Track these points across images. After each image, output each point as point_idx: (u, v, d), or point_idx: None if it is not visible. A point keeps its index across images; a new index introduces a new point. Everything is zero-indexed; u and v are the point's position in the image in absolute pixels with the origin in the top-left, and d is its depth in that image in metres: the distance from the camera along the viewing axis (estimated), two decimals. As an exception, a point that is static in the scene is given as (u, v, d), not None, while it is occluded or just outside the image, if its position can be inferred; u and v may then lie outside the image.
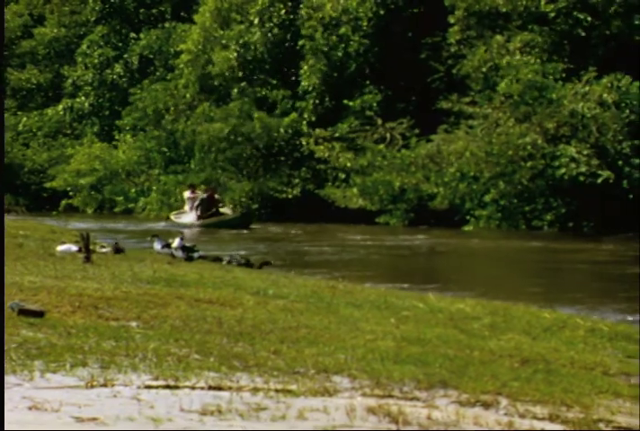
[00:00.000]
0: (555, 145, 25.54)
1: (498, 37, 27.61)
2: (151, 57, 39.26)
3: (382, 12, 30.25)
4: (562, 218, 25.70)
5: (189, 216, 28.83)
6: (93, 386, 5.23)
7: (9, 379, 5.20)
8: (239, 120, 32.23)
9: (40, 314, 6.98)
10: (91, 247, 12.37)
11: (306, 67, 31.34)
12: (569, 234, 24.51)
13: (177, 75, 36.68)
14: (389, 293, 11.37)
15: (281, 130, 31.73)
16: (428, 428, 4.70)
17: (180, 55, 36.14)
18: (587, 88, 25.78)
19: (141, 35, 39.76)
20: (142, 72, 39.34)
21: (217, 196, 29.10)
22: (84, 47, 41.45)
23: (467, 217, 26.91)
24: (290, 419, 4.75)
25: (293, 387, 5.44)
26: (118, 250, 13.95)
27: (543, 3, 27.21)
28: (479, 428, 4.80)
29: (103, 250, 13.83)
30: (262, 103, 32.73)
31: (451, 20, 28.69)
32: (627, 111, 25.47)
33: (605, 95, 25.50)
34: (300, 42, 31.57)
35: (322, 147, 30.49)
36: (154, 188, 35.00)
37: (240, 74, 33.21)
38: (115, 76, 40.09)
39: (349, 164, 29.88)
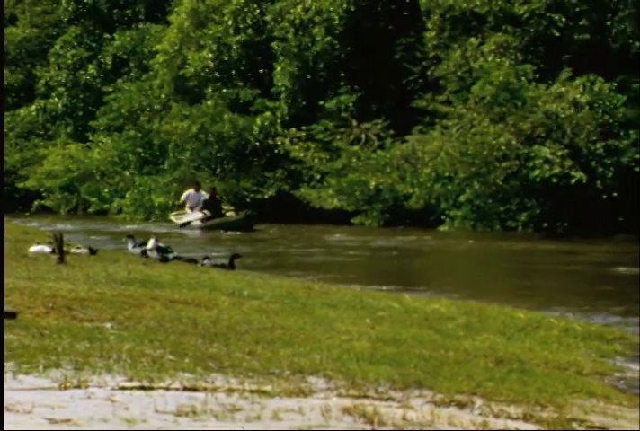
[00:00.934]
0: (530, 146, 25.65)
1: (472, 39, 27.70)
2: (125, 57, 39.13)
3: (352, 8, 30.26)
4: (536, 219, 25.81)
5: (190, 217, 28.25)
6: (66, 387, 5.20)
7: (-18, 381, 5.17)
8: (210, 120, 32.16)
9: (12, 315, 6.94)
10: (65, 248, 12.31)
11: (279, 68, 31.36)
12: (543, 235, 24.62)
13: (152, 76, 36.59)
14: (365, 293, 11.38)
15: (255, 130, 31.72)
16: (403, 428, 4.71)
17: (155, 55, 36.06)
18: (561, 89, 25.92)
19: (115, 35, 39.63)
20: (116, 72, 39.20)
21: (218, 196, 28.57)
22: (57, 47, 41.25)
23: (443, 218, 26.98)
24: (265, 420, 4.75)
25: (268, 388, 5.43)
26: (92, 251, 13.89)
27: (517, 4, 27.32)
28: (454, 428, 4.80)
29: (78, 251, 13.77)
30: (235, 104, 32.69)
31: (428, 24, 28.73)
32: (601, 112, 25.62)
33: (579, 96, 25.64)
34: (273, 43, 31.59)
35: (297, 147, 30.49)
36: (129, 188, 34.88)
37: (216, 74, 33.16)
38: (89, 77, 39.92)
39: (324, 165, 29.89)
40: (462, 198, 26.45)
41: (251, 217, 27.15)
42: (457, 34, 28.17)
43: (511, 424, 5.01)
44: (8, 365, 5.55)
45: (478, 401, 5.45)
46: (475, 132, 26.22)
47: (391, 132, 28.92)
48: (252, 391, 5.32)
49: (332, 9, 30.28)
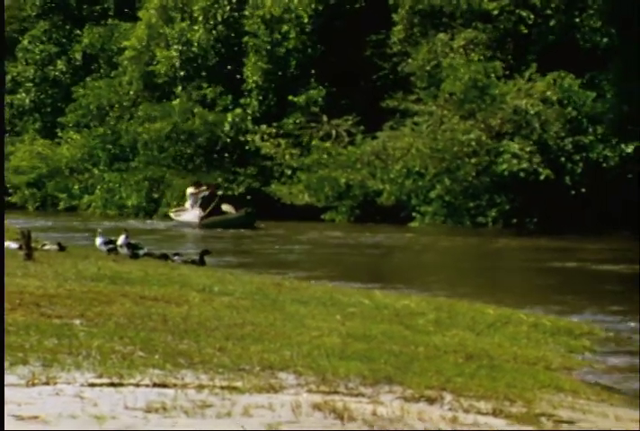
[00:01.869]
0: (499, 142, 25.76)
1: (441, 35, 27.77)
2: (94, 53, 38.91)
3: (321, 8, 30.28)
4: (505, 215, 25.92)
5: (190, 214, 27.87)
6: (34, 384, 5.17)
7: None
8: (181, 118, 32.05)
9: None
10: (32, 244, 12.23)
11: (249, 64, 31.30)
12: (513, 231, 24.72)
13: (121, 73, 36.41)
14: (335, 290, 11.39)
15: (226, 127, 31.64)
16: (373, 424, 4.72)
17: (123, 52, 35.89)
18: (530, 85, 26.04)
19: (84, 31, 39.39)
20: (85, 69, 38.98)
21: (219, 193, 28.09)
22: (24, 42, 40.95)
23: (413, 214, 27.03)
24: (236, 416, 4.74)
25: (238, 384, 5.42)
26: (61, 247, 13.81)
27: (486, 0, 27.42)
28: (423, 423, 4.82)
29: (46, 247, 13.68)
30: (205, 100, 32.60)
31: (395, 18, 28.79)
32: (570, 108, 25.76)
33: (548, 92, 25.77)
34: (244, 39, 31.53)
35: (268, 144, 30.45)
36: (98, 185, 34.72)
37: (182, 73, 33.05)
38: (57, 73, 39.67)
39: (295, 161, 29.87)
40: (432, 194, 26.51)
41: (251, 214, 26.58)
42: (426, 30, 28.22)
43: (481, 419, 5.03)
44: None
45: (448, 397, 5.47)
46: (445, 128, 26.29)
47: (362, 128, 28.94)
48: (222, 388, 5.31)
49: (300, 8, 30.28)
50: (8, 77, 41.12)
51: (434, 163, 26.11)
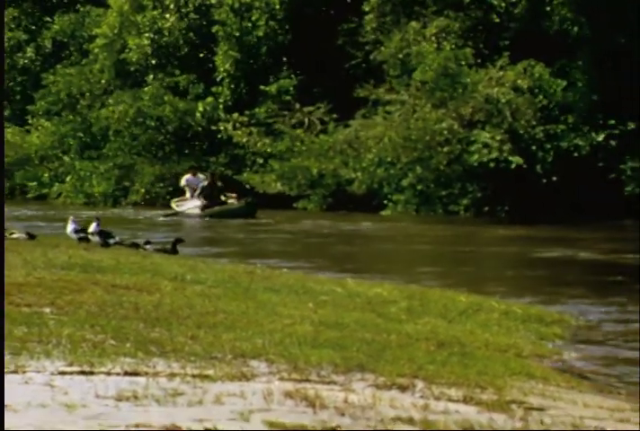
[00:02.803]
0: (471, 131, 25.82)
1: (413, 23, 27.78)
2: (65, 40, 38.63)
3: None
4: (477, 203, 26.01)
5: (191, 204, 27.28)
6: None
7: None
8: (151, 103, 31.88)
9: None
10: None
11: (221, 53, 31.19)
12: (485, 219, 24.82)
13: (92, 60, 36.17)
14: (307, 278, 11.39)
15: (197, 115, 31.53)
16: (344, 412, 4.72)
17: (94, 39, 35.65)
18: (501, 74, 26.10)
19: (55, 18, 39.09)
20: (55, 56, 38.69)
21: (219, 183, 27.74)
22: (-7, 30, 40.62)
23: (385, 202, 27.08)
24: (207, 404, 4.73)
25: (210, 372, 5.41)
26: (31, 235, 13.71)
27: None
28: (395, 411, 4.83)
29: (14, 235, 13.58)
30: (177, 89, 32.47)
31: (366, 8, 28.75)
32: (541, 97, 25.86)
33: (519, 81, 25.84)
34: (214, 28, 31.40)
35: (240, 132, 30.38)
36: (69, 173, 34.51)
37: (154, 61, 32.88)
38: (27, 60, 39.37)
39: (267, 149, 29.81)
40: (405, 183, 26.56)
41: (252, 204, 26.23)
42: (398, 19, 28.21)
43: (452, 406, 5.04)
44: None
45: (420, 384, 5.49)
46: (417, 117, 26.32)
47: (334, 116, 28.92)
48: (194, 376, 5.30)
49: None
50: (-23, 65, 40.81)
51: (406, 152, 26.15)
